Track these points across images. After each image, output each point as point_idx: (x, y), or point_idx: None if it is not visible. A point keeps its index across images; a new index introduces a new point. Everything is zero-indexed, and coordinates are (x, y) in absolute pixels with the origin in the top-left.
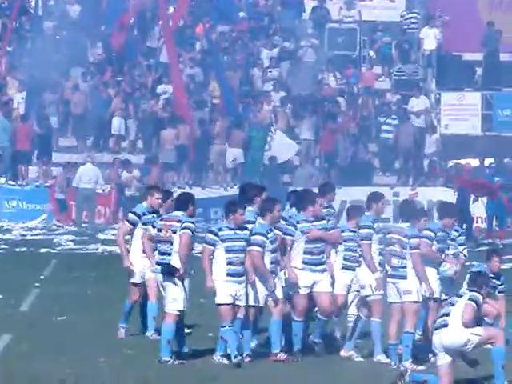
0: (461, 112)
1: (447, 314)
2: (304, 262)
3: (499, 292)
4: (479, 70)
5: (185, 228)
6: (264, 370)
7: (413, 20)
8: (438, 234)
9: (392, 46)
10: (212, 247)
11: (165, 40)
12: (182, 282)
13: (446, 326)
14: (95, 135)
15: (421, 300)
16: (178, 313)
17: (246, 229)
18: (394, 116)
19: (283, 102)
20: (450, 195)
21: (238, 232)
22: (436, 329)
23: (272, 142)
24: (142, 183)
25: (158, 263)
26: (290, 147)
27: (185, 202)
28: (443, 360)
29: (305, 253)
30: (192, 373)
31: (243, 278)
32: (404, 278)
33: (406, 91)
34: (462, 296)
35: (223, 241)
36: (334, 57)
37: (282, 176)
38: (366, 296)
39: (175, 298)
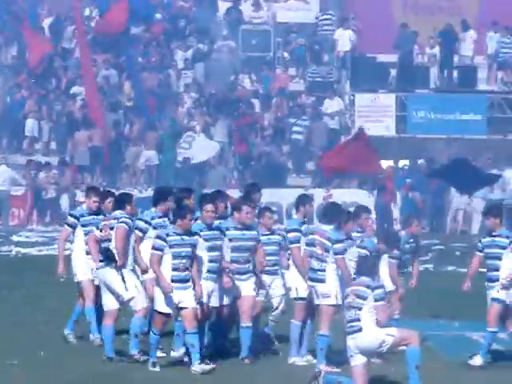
0: (375, 113)
1: (358, 320)
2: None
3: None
4: (393, 72)
5: (121, 223)
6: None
7: (327, 22)
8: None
9: (306, 48)
10: (160, 253)
11: (78, 41)
12: (122, 274)
13: (360, 330)
14: (9, 137)
15: (339, 303)
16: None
17: (196, 234)
18: (304, 117)
19: (197, 103)
20: (365, 197)
21: (186, 238)
22: (349, 333)
23: (193, 142)
24: (57, 185)
25: (100, 260)
26: (210, 148)
27: (123, 201)
28: (358, 361)
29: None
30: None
31: (189, 284)
32: (322, 281)
33: (320, 93)
34: (365, 298)
35: (171, 246)
36: (249, 58)
37: (197, 177)
38: (294, 299)
39: (129, 291)
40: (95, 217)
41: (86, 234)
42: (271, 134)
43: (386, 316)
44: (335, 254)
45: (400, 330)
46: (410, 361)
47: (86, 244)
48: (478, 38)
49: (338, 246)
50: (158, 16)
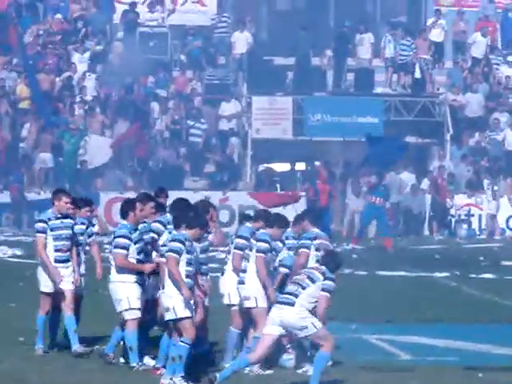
0: (272, 116)
1: (296, 295)
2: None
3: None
4: (290, 75)
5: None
6: None
7: (223, 24)
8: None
9: (203, 50)
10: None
11: None
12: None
13: (291, 304)
14: None
15: (259, 306)
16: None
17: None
18: (202, 120)
19: (95, 105)
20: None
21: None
22: (279, 303)
23: (87, 145)
24: None
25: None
26: (106, 151)
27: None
28: (271, 331)
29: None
30: None
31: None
32: (243, 283)
33: (218, 95)
34: (314, 281)
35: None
36: (146, 61)
37: (94, 180)
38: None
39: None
40: (64, 220)
41: (55, 239)
42: (168, 136)
43: (324, 308)
44: (257, 251)
45: (325, 330)
46: (316, 364)
47: (57, 251)
48: (375, 40)
49: (260, 244)
50: (59, 16)
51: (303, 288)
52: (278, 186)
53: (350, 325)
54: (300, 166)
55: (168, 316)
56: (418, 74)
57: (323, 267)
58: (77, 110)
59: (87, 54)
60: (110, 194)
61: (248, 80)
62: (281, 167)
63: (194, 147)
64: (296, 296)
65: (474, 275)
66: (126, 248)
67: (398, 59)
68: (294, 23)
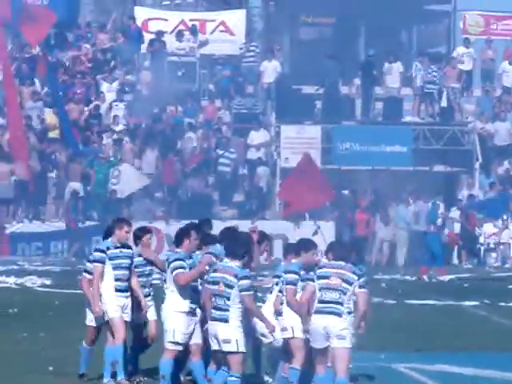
0: (301, 145)
1: (341, 303)
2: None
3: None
4: (319, 103)
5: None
6: None
7: (252, 53)
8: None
9: (231, 80)
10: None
11: (3, 74)
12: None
13: (339, 315)
14: None
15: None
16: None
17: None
18: (231, 149)
19: (124, 135)
20: (289, 228)
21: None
22: (324, 312)
23: (120, 175)
24: None
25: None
26: (139, 179)
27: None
28: (321, 345)
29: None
30: None
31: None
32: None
33: (246, 124)
34: (351, 283)
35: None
36: (175, 90)
37: (124, 209)
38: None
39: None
40: (123, 250)
41: (114, 269)
42: (197, 165)
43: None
44: (241, 290)
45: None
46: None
47: (117, 280)
48: (404, 69)
49: (242, 282)
50: (87, 46)
51: (344, 293)
52: (306, 214)
53: (379, 354)
54: None
55: (229, 348)
56: (444, 103)
57: (349, 265)
58: (105, 140)
59: (116, 84)
60: (138, 224)
61: (276, 109)
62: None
63: (223, 176)
64: (341, 304)
65: (503, 303)
66: (184, 268)
67: (426, 88)
68: (322, 51)
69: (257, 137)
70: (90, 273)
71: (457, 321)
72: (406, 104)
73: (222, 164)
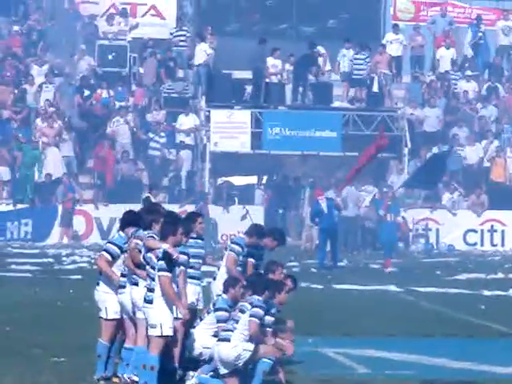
0: (230, 130)
1: (232, 330)
2: None
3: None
4: (249, 88)
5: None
6: None
7: (182, 38)
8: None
9: (161, 63)
10: None
11: None
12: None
13: (228, 340)
14: None
15: (165, 334)
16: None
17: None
18: (162, 134)
19: (53, 118)
20: (218, 212)
21: None
22: (219, 340)
23: (45, 159)
24: None
25: None
26: (62, 163)
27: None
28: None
29: None
30: None
31: None
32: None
33: (176, 108)
34: (244, 311)
35: None
36: (105, 73)
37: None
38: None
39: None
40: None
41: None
42: (128, 150)
43: (255, 331)
44: (158, 270)
45: (263, 346)
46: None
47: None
48: (331, 55)
49: (162, 262)
50: (16, 28)
51: (236, 322)
52: (236, 199)
53: (307, 339)
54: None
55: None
56: (375, 89)
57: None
58: (39, 123)
59: (46, 67)
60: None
61: (206, 93)
62: (239, 181)
63: (153, 160)
64: (232, 331)
65: (431, 289)
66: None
67: (353, 74)
68: (252, 36)
69: (186, 121)
70: (111, 254)
71: (384, 306)
72: (336, 89)
73: (152, 148)
